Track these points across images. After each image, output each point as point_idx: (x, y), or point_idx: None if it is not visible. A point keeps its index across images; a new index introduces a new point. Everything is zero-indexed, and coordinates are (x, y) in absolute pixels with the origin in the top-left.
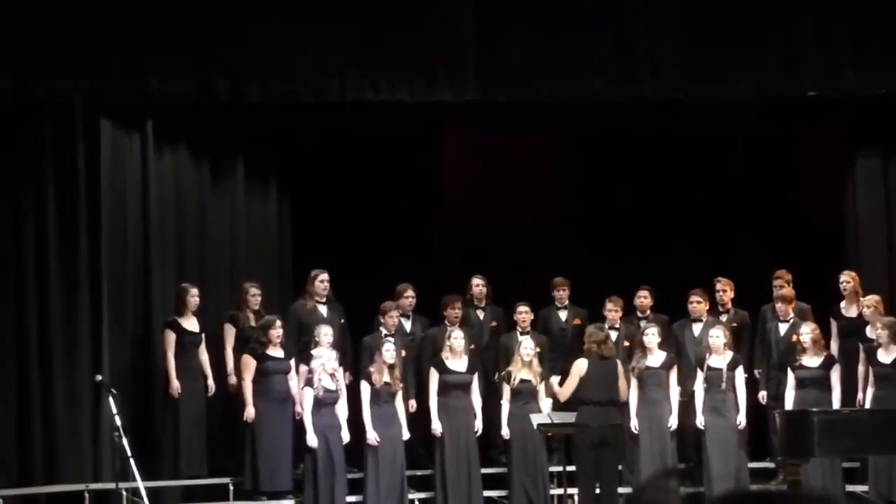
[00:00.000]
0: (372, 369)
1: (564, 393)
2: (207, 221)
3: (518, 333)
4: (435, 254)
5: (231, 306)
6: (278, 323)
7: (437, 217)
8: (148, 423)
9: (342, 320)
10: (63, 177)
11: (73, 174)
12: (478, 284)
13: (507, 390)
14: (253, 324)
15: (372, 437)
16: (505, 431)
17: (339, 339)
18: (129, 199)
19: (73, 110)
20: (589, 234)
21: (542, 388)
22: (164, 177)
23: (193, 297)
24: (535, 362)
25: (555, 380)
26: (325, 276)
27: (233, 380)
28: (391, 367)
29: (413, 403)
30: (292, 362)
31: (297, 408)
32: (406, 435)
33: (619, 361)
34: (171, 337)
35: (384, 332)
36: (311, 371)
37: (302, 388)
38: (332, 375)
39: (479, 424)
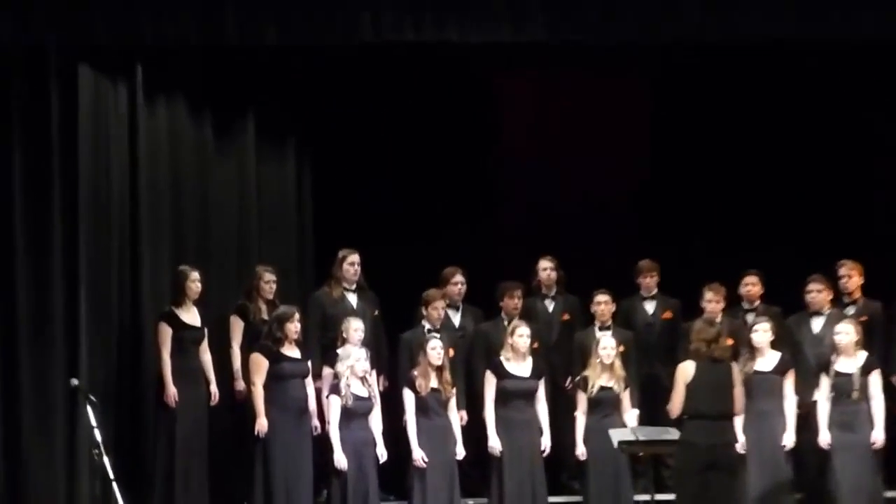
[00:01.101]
0: (415, 373)
1: (674, 407)
2: (211, 190)
3: (596, 329)
4: (491, 231)
5: (240, 295)
6: (297, 315)
7: (495, 186)
8: (136, 437)
9: (376, 312)
10: (33, 136)
11: (46, 132)
12: (546, 268)
13: (582, 400)
14: (266, 316)
15: (419, 456)
16: (580, 451)
17: (371, 334)
18: (115, 163)
19: (47, 54)
20: (681, 207)
21: (626, 397)
22: (158, 136)
23: (194, 282)
24: (618, 365)
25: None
26: (355, 257)
27: (241, 385)
28: (439, 370)
29: (464, 415)
30: (311, 364)
31: (315, 421)
32: (461, 453)
33: (733, 365)
34: (166, 332)
35: (428, 326)
36: (337, 375)
37: (327, 396)
38: (364, 379)
39: (546, 442)
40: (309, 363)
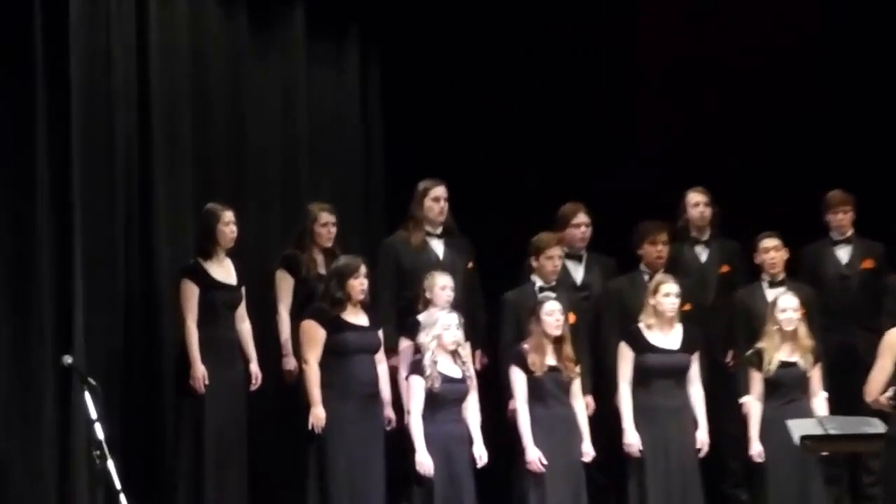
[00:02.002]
0: (526, 346)
1: (873, 389)
2: (246, 102)
3: (764, 284)
4: (623, 154)
5: (287, 243)
6: (363, 269)
7: (626, 96)
8: (151, 434)
9: (469, 264)
10: (8, 32)
11: (25, 26)
12: (697, 203)
13: (756, 380)
14: (322, 270)
15: (534, 457)
16: (755, 450)
17: (464, 294)
18: (118, 67)
19: None
20: (876, 118)
21: (816, 376)
22: (176, 29)
23: (227, 226)
24: (804, 332)
25: None
26: (440, 190)
27: (290, 363)
28: (558, 342)
29: (590, 402)
30: (381, 334)
31: (389, 411)
32: (589, 453)
33: None
34: (191, 293)
35: (540, 283)
36: (419, 348)
37: (406, 377)
38: (455, 354)
39: (703, 438)
40: (380, 333)
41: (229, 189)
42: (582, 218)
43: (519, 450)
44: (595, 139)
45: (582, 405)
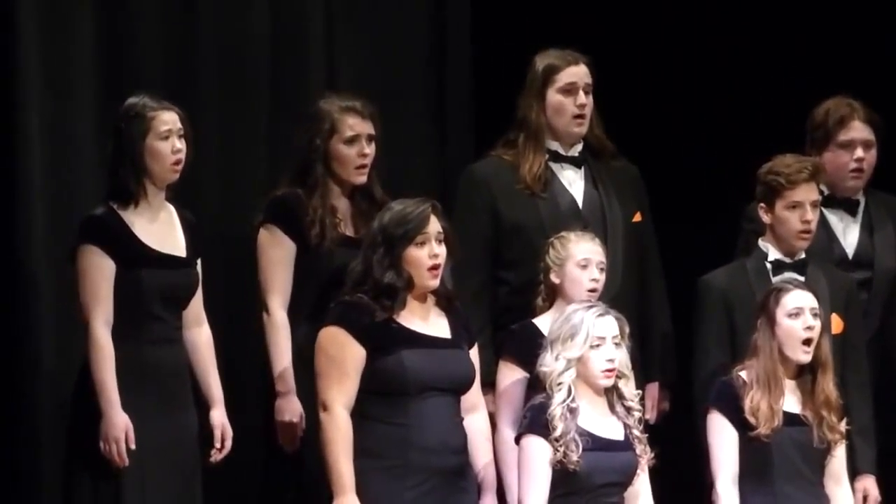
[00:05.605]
0: (743, 375)
1: None
2: None
3: None
4: None
5: (282, 176)
6: (437, 224)
7: None
8: None
9: (636, 216)
10: None
11: None
12: None
13: None
14: (349, 230)
15: None
16: None
17: (628, 273)
18: None
19: None
20: None
21: None
22: None
23: (167, 139)
24: None
25: None
26: (579, 71)
27: (291, 410)
28: (808, 373)
29: (869, 489)
30: (475, 355)
31: (490, 502)
32: None
33: None
34: (100, 271)
35: (774, 255)
36: (539, 383)
37: (517, 439)
38: (614, 395)
39: None
40: (474, 352)
41: (177, 86)
42: (859, 130)
43: None
44: None
45: (848, 495)
